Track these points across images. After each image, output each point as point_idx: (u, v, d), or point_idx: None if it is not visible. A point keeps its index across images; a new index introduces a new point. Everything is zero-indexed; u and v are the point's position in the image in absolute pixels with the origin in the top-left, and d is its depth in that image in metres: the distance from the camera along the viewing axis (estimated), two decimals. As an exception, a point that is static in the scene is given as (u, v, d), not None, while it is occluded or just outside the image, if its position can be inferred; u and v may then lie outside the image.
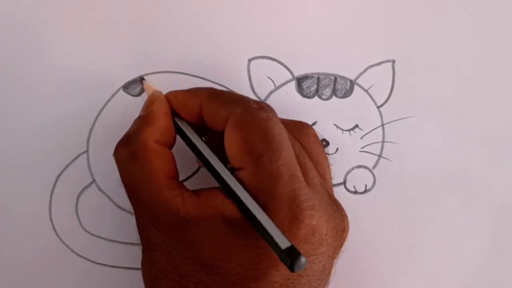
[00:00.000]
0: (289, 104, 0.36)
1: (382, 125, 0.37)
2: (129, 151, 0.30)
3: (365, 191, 0.37)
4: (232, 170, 0.29)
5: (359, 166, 0.37)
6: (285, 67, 0.37)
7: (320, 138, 0.36)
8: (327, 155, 0.33)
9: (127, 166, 0.30)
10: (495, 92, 0.37)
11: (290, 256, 0.25)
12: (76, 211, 0.36)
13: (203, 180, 0.36)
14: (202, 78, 0.36)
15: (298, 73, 0.37)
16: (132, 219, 0.34)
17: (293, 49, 0.37)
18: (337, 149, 0.37)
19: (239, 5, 0.36)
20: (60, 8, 0.36)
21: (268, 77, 0.37)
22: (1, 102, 0.36)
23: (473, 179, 0.37)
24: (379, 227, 0.37)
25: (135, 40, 0.36)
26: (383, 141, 0.37)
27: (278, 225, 0.26)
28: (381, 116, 0.37)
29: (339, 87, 0.37)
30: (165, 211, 0.28)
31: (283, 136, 0.29)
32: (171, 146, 0.31)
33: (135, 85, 0.36)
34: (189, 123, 0.31)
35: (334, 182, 0.36)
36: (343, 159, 0.37)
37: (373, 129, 0.37)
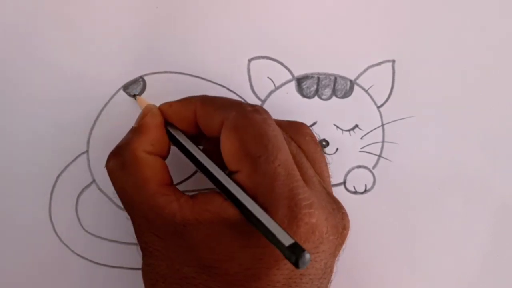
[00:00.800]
0: (289, 104, 0.36)
1: (382, 125, 0.37)
2: (119, 161, 0.30)
3: (365, 191, 0.37)
4: (230, 175, 0.29)
5: (359, 166, 0.37)
6: (285, 67, 0.37)
7: (320, 138, 0.36)
8: (324, 154, 0.33)
9: (119, 176, 0.30)
10: (495, 92, 0.37)
11: (295, 253, 0.25)
12: (76, 211, 0.36)
13: (201, 182, 0.36)
14: (202, 78, 0.36)
15: (298, 73, 0.37)
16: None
17: (293, 49, 0.37)
18: (337, 149, 0.37)
19: (239, 5, 0.36)
20: (60, 8, 0.36)
21: (268, 77, 0.37)
22: (1, 102, 0.36)
23: (473, 179, 0.37)
24: (379, 227, 0.37)
25: (135, 40, 0.36)
26: (383, 141, 0.37)
27: (278, 224, 0.26)
28: (381, 116, 0.37)
29: (339, 87, 0.37)
30: (161, 217, 0.29)
31: (278, 137, 0.29)
32: (164, 156, 0.31)
33: (135, 85, 0.36)
34: (184, 133, 0.31)
35: (334, 182, 0.36)
36: (343, 159, 0.37)
37: (373, 129, 0.37)
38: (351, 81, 0.37)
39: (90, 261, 0.36)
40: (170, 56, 0.36)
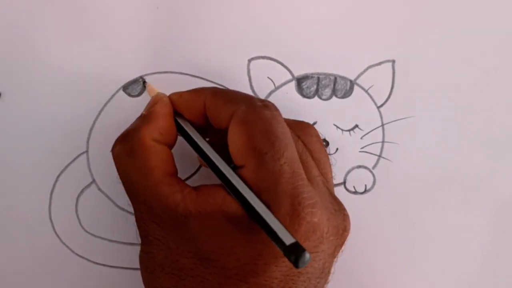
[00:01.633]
0: (289, 104, 0.36)
1: (382, 125, 0.37)
2: (126, 147, 0.30)
3: (365, 191, 0.37)
4: (235, 168, 0.29)
5: (359, 166, 0.37)
6: (285, 67, 0.37)
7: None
8: (328, 155, 0.33)
9: (124, 162, 0.30)
10: (495, 92, 0.37)
11: (295, 252, 0.25)
12: (76, 211, 0.36)
13: (204, 179, 0.36)
14: (202, 78, 0.36)
15: (298, 73, 0.37)
16: (132, 219, 0.34)
17: (293, 49, 0.37)
18: (337, 149, 0.37)
19: (239, 5, 0.36)
20: (60, 8, 0.36)
21: (268, 77, 0.37)
22: (1, 102, 0.36)
23: (473, 179, 0.37)
24: (379, 227, 0.37)
25: (135, 40, 0.36)
26: (383, 141, 0.37)
27: (280, 222, 0.26)
28: (381, 116, 0.37)
29: (339, 87, 0.37)
30: (163, 206, 0.29)
31: (286, 135, 0.29)
32: (171, 146, 0.31)
33: (135, 85, 0.36)
34: (192, 124, 0.31)
35: (334, 182, 0.36)
36: (343, 159, 0.37)
37: (373, 129, 0.37)
38: (351, 81, 0.37)
39: (90, 261, 0.36)
40: (170, 56, 0.36)
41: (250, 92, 0.36)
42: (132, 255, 0.36)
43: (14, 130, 0.36)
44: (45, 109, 0.36)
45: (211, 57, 0.36)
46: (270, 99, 0.37)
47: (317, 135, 0.33)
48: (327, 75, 0.37)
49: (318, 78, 0.37)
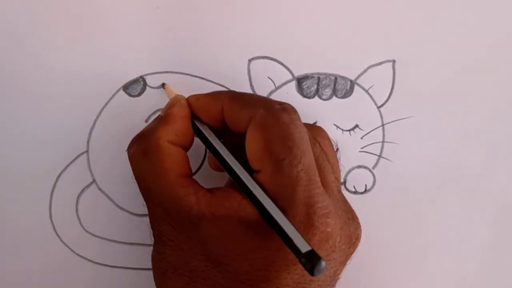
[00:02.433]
0: (289, 104, 0.36)
1: (382, 125, 0.37)
2: (141, 148, 0.30)
3: (365, 191, 0.37)
4: (251, 173, 0.29)
5: (359, 166, 0.37)
6: (285, 67, 0.37)
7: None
8: (338, 160, 0.33)
9: (139, 162, 0.30)
10: (495, 92, 0.37)
11: (311, 260, 0.25)
12: (76, 211, 0.36)
13: (205, 178, 0.36)
14: (202, 78, 0.36)
15: (298, 73, 0.37)
16: (132, 219, 0.34)
17: (293, 49, 0.37)
18: (337, 149, 0.37)
19: (239, 5, 0.36)
20: (60, 8, 0.36)
21: (268, 77, 0.37)
22: (1, 102, 0.36)
23: (473, 178, 0.37)
24: (379, 227, 0.37)
25: (135, 40, 0.36)
26: (383, 141, 0.37)
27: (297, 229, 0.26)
28: (381, 116, 0.37)
29: (339, 87, 0.37)
30: (178, 208, 0.29)
31: (304, 140, 0.29)
32: (187, 148, 0.31)
33: (135, 85, 0.36)
34: (209, 126, 0.31)
35: (334, 182, 0.36)
36: (343, 159, 0.37)
37: (373, 129, 0.37)
38: (351, 81, 0.37)
39: (90, 261, 0.36)
40: (170, 56, 0.36)
41: (250, 92, 0.36)
42: (132, 255, 0.36)
43: (14, 131, 0.36)
44: (45, 109, 0.36)
45: (211, 57, 0.36)
46: (270, 99, 0.37)
47: (329, 139, 0.33)
48: (327, 75, 0.37)
49: (319, 78, 0.37)
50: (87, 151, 0.36)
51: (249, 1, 0.36)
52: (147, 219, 0.34)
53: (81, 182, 0.36)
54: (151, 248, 0.31)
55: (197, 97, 0.32)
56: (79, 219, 0.36)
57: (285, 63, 0.37)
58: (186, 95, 0.32)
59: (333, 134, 0.37)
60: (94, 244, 0.36)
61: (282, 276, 0.27)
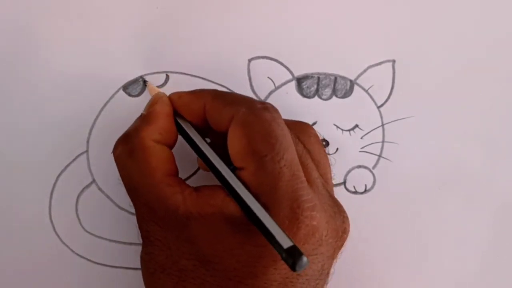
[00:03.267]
0: (289, 104, 0.36)
1: (382, 125, 0.37)
2: (127, 149, 0.30)
3: (365, 191, 0.37)
4: (234, 171, 0.29)
5: (359, 166, 0.37)
6: (285, 67, 0.37)
7: (320, 138, 0.36)
8: (327, 156, 0.33)
9: (125, 163, 0.30)
10: (495, 92, 0.37)
11: (292, 256, 0.25)
12: (76, 211, 0.36)
13: (204, 179, 0.36)
14: (202, 78, 0.36)
15: (298, 73, 0.37)
16: (132, 219, 0.34)
17: (293, 49, 0.37)
18: (337, 149, 0.37)
19: (239, 5, 0.36)
20: (60, 8, 0.36)
21: (268, 77, 0.37)
22: (1, 102, 0.36)
23: (473, 179, 0.37)
24: (379, 227, 0.37)
25: (135, 40, 0.36)
26: (383, 141, 0.37)
27: (279, 225, 0.26)
28: (381, 116, 0.37)
29: (339, 87, 0.37)
30: (164, 207, 0.29)
31: (286, 137, 0.29)
32: (171, 146, 0.31)
33: (135, 85, 0.36)
34: (192, 124, 0.31)
35: (334, 182, 0.36)
36: (343, 159, 0.37)
37: (373, 129, 0.37)
38: (351, 81, 0.37)
39: (90, 261, 0.36)
40: (170, 56, 0.36)
41: (250, 92, 0.36)
42: (132, 255, 0.36)
43: (14, 130, 0.36)
44: (45, 109, 0.36)
45: (211, 57, 0.36)
46: (270, 99, 0.37)
47: (316, 135, 0.33)
48: (327, 75, 0.37)
49: (318, 78, 0.37)
50: (87, 151, 0.36)
51: (249, 1, 0.37)
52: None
53: (81, 182, 0.36)
54: (151, 248, 0.31)
55: (180, 94, 0.32)
56: (79, 219, 0.36)
57: (285, 63, 0.37)
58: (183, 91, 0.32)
59: (333, 134, 0.37)
60: (93, 244, 0.36)
61: (269, 271, 0.27)
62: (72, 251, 0.36)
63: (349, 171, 0.37)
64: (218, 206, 0.29)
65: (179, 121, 0.31)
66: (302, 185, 0.28)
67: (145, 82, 0.36)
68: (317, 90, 0.37)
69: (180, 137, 0.32)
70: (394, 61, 0.37)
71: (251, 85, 0.36)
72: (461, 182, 0.37)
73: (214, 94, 0.31)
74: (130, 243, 0.36)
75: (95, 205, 0.36)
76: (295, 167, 0.28)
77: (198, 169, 0.36)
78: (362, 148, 0.37)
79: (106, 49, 0.36)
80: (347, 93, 0.37)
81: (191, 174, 0.36)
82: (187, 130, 0.31)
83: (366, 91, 0.37)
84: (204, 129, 0.32)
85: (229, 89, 0.36)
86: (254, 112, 0.29)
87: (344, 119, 0.37)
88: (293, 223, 0.27)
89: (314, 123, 0.37)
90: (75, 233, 0.36)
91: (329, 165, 0.32)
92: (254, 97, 0.36)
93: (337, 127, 0.37)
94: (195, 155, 0.31)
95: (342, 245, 0.30)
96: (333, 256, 0.30)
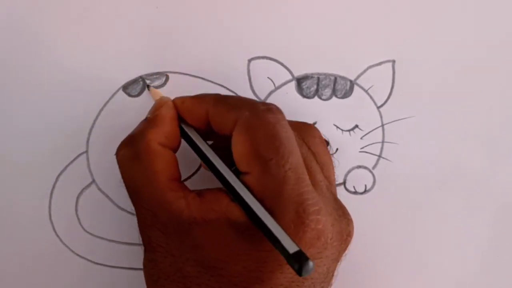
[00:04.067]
0: (289, 105, 0.36)
1: (382, 125, 0.37)
2: (131, 152, 0.30)
3: (365, 191, 0.37)
4: (239, 175, 0.29)
5: (359, 166, 0.37)
6: (285, 67, 0.37)
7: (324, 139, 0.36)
8: (331, 157, 0.33)
9: (129, 166, 0.30)
10: (495, 92, 0.37)
11: (298, 261, 0.25)
12: (76, 211, 0.36)
13: (204, 180, 0.36)
14: (202, 78, 0.36)
15: (298, 73, 0.37)
16: (132, 219, 0.34)
17: (293, 49, 0.37)
18: (337, 149, 0.37)
19: (239, 5, 0.36)
20: (60, 8, 0.36)
21: (268, 77, 0.37)
22: (1, 102, 0.36)
23: (473, 179, 0.37)
24: (379, 227, 0.37)
25: (135, 40, 0.36)
26: (383, 142, 0.37)
27: (284, 229, 0.26)
28: (381, 116, 0.37)
29: (339, 87, 0.37)
30: (168, 213, 0.28)
31: (291, 140, 0.29)
32: (175, 150, 0.31)
33: (135, 85, 0.36)
34: (195, 128, 0.31)
35: (334, 182, 0.36)
36: (343, 159, 0.37)
37: (373, 130, 0.37)
38: (351, 81, 0.37)
39: (90, 261, 0.36)
40: (170, 56, 0.36)
41: (250, 92, 0.36)
42: (132, 255, 0.36)
43: (14, 130, 0.36)
44: (45, 109, 0.36)
45: (211, 57, 0.36)
46: (270, 99, 0.37)
47: (320, 137, 0.33)
48: (327, 75, 0.37)
49: (318, 78, 0.37)
50: (86, 151, 0.36)
51: (249, 1, 0.36)
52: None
53: (80, 182, 0.36)
54: (150, 248, 0.31)
55: (183, 99, 0.31)
56: (78, 219, 0.36)
57: (285, 63, 0.37)
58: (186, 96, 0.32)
59: (333, 134, 0.37)
60: (93, 244, 0.36)
61: (275, 276, 0.27)
62: (72, 251, 0.36)
63: (349, 171, 0.37)
64: (223, 212, 0.28)
65: (183, 125, 0.31)
66: (307, 189, 0.28)
67: (148, 86, 0.36)
68: (317, 90, 0.37)
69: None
70: (394, 61, 0.37)
71: (251, 85, 0.36)
72: (461, 182, 0.37)
73: (217, 99, 0.31)
74: (130, 243, 0.36)
75: (94, 205, 0.36)
76: (300, 170, 0.28)
77: (197, 170, 0.36)
78: (362, 148, 0.37)
79: (106, 49, 0.36)
80: (347, 93, 0.37)
81: (192, 174, 0.36)
82: (191, 135, 0.31)
83: (366, 91, 0.37)
84: (207, 133, 0.32)
85: (229, 89, 0.36)
86: (257, 116, 0.29)
87: (344, 119, 0.37)
88: (298, 227, 0.27)
89: (314, 123, 0.37)
90: (74, 233, 0.36)
91: (333, 167, 0.32)
92: (254, 97, 0.36)
93: (337, 127, 0.37)
94: (193, 156, 0.31)
95: (346, 247, 0.30)
96: (337, 258, 0.30)
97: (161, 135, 0.30)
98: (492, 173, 0.37)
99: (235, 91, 0.36)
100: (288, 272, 0.27)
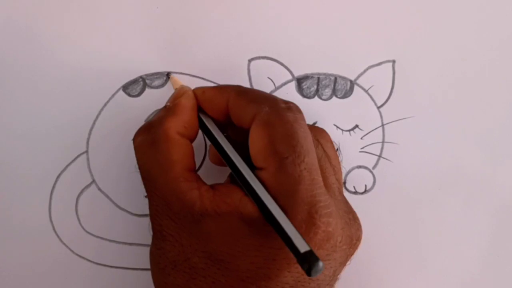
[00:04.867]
0: (289, 104, 0.36)
1: (382, 125, 0.37)
2: (149, 138, 0.30)
3: (365, 191, 0.37)
4: (254, 170, 0.29)
5: (359, 167, 0.37)
6: (285, 67, 0.37)
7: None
8: (340, 161, 0.33)
9: (145, 153, 0.30)
10: (495, 92, 0.37)
11: (308, 261, 0.25)
12: (76, 211, 0.36)
13: (208, 174, 0.36)
14: (203, 78, 0.36)
15: (298, 73, 0.37)
16: (132, 219, 0.34)
17: (293, 49, 0.37)
18: (337, 149, 0.37)
19: (239, 5, 0.36)
20: (60, 8, 0.36)
21: (268, 77, 0.37)
22: (1, 102, 0.36)
23: (473, 179, 0.37)
24: (379, 227, 0.37)
25: (135, 40, 0.36)
26: (383, 142, 0.37)
27: (296, 229, 0.26)
28: (381, 116, 0.37)
29: (339, 87, 0.37)
30: (181, 202, 0.28)
31: (307, 140, 0.29)
32: (192, 140, 0.31)
33: (135, 85, 0.36)
34: (213, 119, 0.31)
35: (334, 182, 0.36)
36: (343, 159, 0.37)
37: (373, 130, 0.37)
38: (351, 81, 0.37)
39: (90, 261, 0.36)
40: (170, 56, 0.36)
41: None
42: (131, 255, 0.36)
43: (14, 130, 0.36)
44: (45, 109, 0.36)
45: (211, 57, 0.36)
46: (270, 99, 0.37)
47: (331, 141, 0.33)
48: (327, 75, 0.37)
49: (318, 78, 0.37)
50: (86, 151, 0.36)
51: (249, 1, 0.36)
52: (146, 219, 0.35)
53: (80, 182, 0.36)
54: (150, 248, 0.31)
55: (203, 89, 0.31)
56: (78, 219, 0.36)
57: (285, 63, 0.37)
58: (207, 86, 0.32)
59: (333, 134, 0.37)
60: (93, 244, 0.36)
61: (283, 274, 0.27)
62: (72, 251, 0.36)
63: (349, 171, 0.37)
64: (235, 205, 0.28)
65: (201, 116, 0.31)
66: (321, 191, 0.28)
67: (168, 74, 0.35)
68: (317, 90, 0.37)
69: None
70: (394, 61, 0.37)
71: (251, 86, 0.36)
72: (461, 182, 0.37)
73: (238, 90, 0.31)
74: (130, 244, 0.36)
75: (95, 205, 0.36)
76: (315, 171, 0.28)
77: (202, 163, 0.36)
78: (362, 148, 0.37)
79: (106, 49, 0.36)
80: (347, 93, 0.37)
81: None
82: (209, 126, 0.31)
83: (366, 91, 0.37)
84: (224, 124, 0.32)
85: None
86: (277, 112, 0.29)
87: (344, 120, 0.37)
88: (310, 228, 0.27)
89: (314, 123, 0.37)
90: (74, 233, 0.36)
91: (341, 171, 0.33)
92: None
93: (337, 127, 0.37)
94: (197, 149, 0.31)
95: (354, 252, 0.30)
96: (345, 262, 0.30)
97: (180, 124, 0.30)
98: (491, 173, 0.37)
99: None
100: (296, 271, 0.27)
